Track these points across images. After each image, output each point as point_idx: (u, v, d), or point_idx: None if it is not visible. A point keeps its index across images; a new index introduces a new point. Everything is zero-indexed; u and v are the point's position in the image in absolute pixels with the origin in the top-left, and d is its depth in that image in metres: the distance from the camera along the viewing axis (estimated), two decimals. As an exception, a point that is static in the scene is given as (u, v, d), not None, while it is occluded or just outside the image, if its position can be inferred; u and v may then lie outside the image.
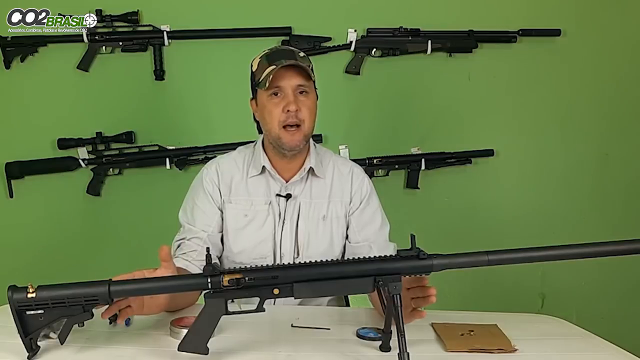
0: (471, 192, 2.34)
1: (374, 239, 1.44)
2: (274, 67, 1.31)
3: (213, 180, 1.43)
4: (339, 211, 1.44)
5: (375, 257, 1.01)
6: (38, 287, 0.96)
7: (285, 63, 1.30)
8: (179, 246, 1.38)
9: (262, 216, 1.41)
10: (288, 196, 1.41)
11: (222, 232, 1.43)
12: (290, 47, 1.41)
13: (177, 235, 1.42)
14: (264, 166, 1.42)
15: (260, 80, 1.34)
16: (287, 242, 1.41)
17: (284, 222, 1.41)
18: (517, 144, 2.33)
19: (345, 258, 1.42)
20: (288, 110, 1.32)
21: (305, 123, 1.35)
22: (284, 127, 1.34)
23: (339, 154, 2.15)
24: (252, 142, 1.51)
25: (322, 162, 1.47)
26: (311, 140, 1.46)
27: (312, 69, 1.37)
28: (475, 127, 2.32)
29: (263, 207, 1.41)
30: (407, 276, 1.02)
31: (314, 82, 1.41)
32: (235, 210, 1.41)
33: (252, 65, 1.40)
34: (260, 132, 1.45)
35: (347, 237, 1.47)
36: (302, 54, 1.37)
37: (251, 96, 1.43)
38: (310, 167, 1.43)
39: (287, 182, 1.42)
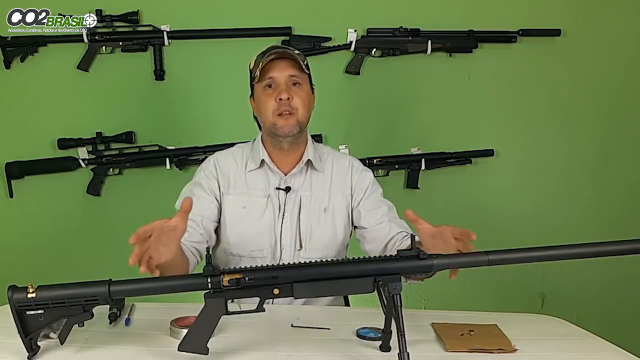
0: (471, 192, 2.34)
1: (389, 218, 1.47)
2: (267, 56, 1.36)
3: (212, 172, 1.46)
4: (340, 203, 1.47)
5: (375, 257, 1.01)
6: (38, 287, 0.96)
7: (276, 55, 1.35)
8: None
9: (260, 208, 1.43)
10: (287, 189, 1.43)
11: (217, 221, 1.45)
12: (286, 47, 1.45)
13: None
14: (262, 160, 1.44)
15: (254, 74, 1.39)
16: (288, 235, 1.43)
17: (284, 215, 1.43)
18: (517, 144, 2.33)
19: (366, 244, 1.47)
20: (280, 99, 1.36)
21: (299, 111, 1.39)
22: (279, 114, 1.38)
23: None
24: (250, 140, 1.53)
25: (320, 157, 1.50)
26: (309, 136, 1.50)
27: (306, 65, 1.41)
28: (475, 127, 2.31)
29: (261, 200, 1.44)
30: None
31: (310, 77, 1.45)
32: (233, 202, 1.44)
33: (250, 64, 1.44)
34: (260, 128, 1.48)
35: (355, 227, 1.50)
36: (297, 52, 1.41)
37: (250, 94, 1.47)
38: (309, 160, 1.45)
39: (285, 175, 1.45)
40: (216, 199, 1.45)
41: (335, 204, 1.47)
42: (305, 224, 1.44)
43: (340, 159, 1.53)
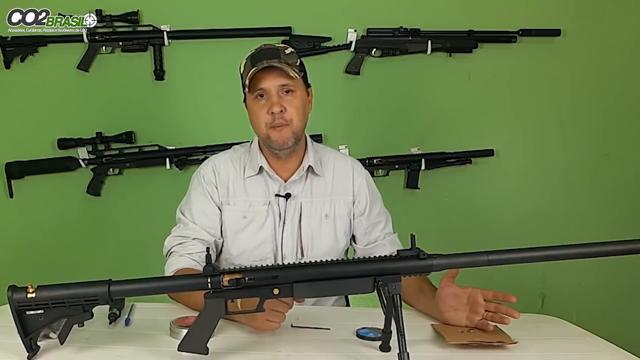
0: (471, 192, 2.34)
1: (383, 235, 1.45)
2: (255, 69, 1.29)
3: (211, 180, 1.41)
4: (342, 210, 1.43)
5: (375, 257, 1.01)
6: (38, 287, 0.96)
7: (265, 64, 1.28)
8: (180, 243, 1.36)
9: (261, 217, 1.40)
10: (287, 196, 1.40)
11: (222, 235, 1.42)
12: (276, 45, 1.35)
13: (176, 230, 1.39)
14: (261, 166, 1.40)
15: (244, 83, 1.33)
16: (289, 243, 1.39)
17: (284, 223, 1.40)
18: (517, 144, 2.33)
19: (357, 257, 1.44)
20: (272, 112, 1.31)
21: (294, 122, 1.33)
22: (272, 127, 1.32)
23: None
24: (248, 141, 1.50)
25: (321, 161, 1.45)
26: (309, 138, 1.45)
27: (299, 66, 1.34)
28: (475, 127, 2.32)
29: (262, 208, 1.40)
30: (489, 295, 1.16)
31: (305, 78, 1.38)
32: (233, 212, 1.40)
33: (240, 67, 1.37)
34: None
35: (353, 238, 1.47)
36: (288, 51, 1.33)
37: (243, 98, 1.41)
38: (310, 166, 1.41)
39: (285, 181, 1.41)
40: (219, 208, 1.41)
41: (336, 210, 1.43)
42: (307, 231, 1.40)
43: (342, 161, 1.48)
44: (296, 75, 1.30)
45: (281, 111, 1.31)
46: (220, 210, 1.41)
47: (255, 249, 1.40)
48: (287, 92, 1.32)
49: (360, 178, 1.47)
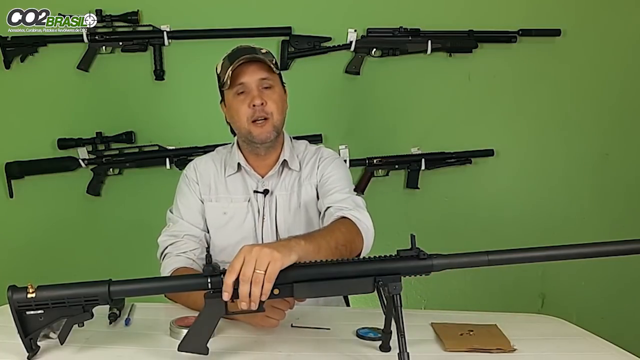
0: (471, 192, 2.34)
1: (343, 198, 1.37)
2: (236, 62, 1.33)
3: (192, 178, 1.47)
4: (310, 193, 1.44)
5: (375, 257, 1.01)
6: (38, 287, 0.96)
7: (245, 59, 1.32)
8: (172, 243, 1.38)
9: (241, 213, 1.43)
10: (265, 192, 1.43)
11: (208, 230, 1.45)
12: (252, 45, 1.39)
13: (166, 230, 1.42)
14: (239, 163, 1.43)
15: (224, 80, 1.36)
16: (269, 238, 1.42)
17: (263, 218, 1.42)
18: (517, 144, 2.33)
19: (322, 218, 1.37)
20: (254, 105, 1.34)
21: (274, 115, 1.36)
22: (253, 121, 1.35)
23: (339, 154, 2.14)
24: (231, 142, 1.52)
25: (297, 156, 1.48)
26: (287, 135, 1.49)
27: (276, 64, 1.38)
28: (475, 127, 2.31)
29: (242, 205, 1.43)
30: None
31: (281, 77, 1.42)
32: (215, 209, 1.44)
33: (216, 69, 1.41)
34: (234, 134, 1.47)
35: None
36: (264, 50, 1.38)
37: (220, 99, 1.45)
38: (284, 160, 1.44)
39: (263, 177, 1.44)
40: (202, 202, 1.45)
41: (304, 195, 1.43)
42: (282, 225, 1.42)
43: (311, 150, 1.50)
44: (274, 69, 1.35)
45: (262, 104, 1.34)
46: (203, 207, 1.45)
47: (237, 244, 1.39)
48: (267, 87, 1.36)
49: (323, 159, 1.47)
